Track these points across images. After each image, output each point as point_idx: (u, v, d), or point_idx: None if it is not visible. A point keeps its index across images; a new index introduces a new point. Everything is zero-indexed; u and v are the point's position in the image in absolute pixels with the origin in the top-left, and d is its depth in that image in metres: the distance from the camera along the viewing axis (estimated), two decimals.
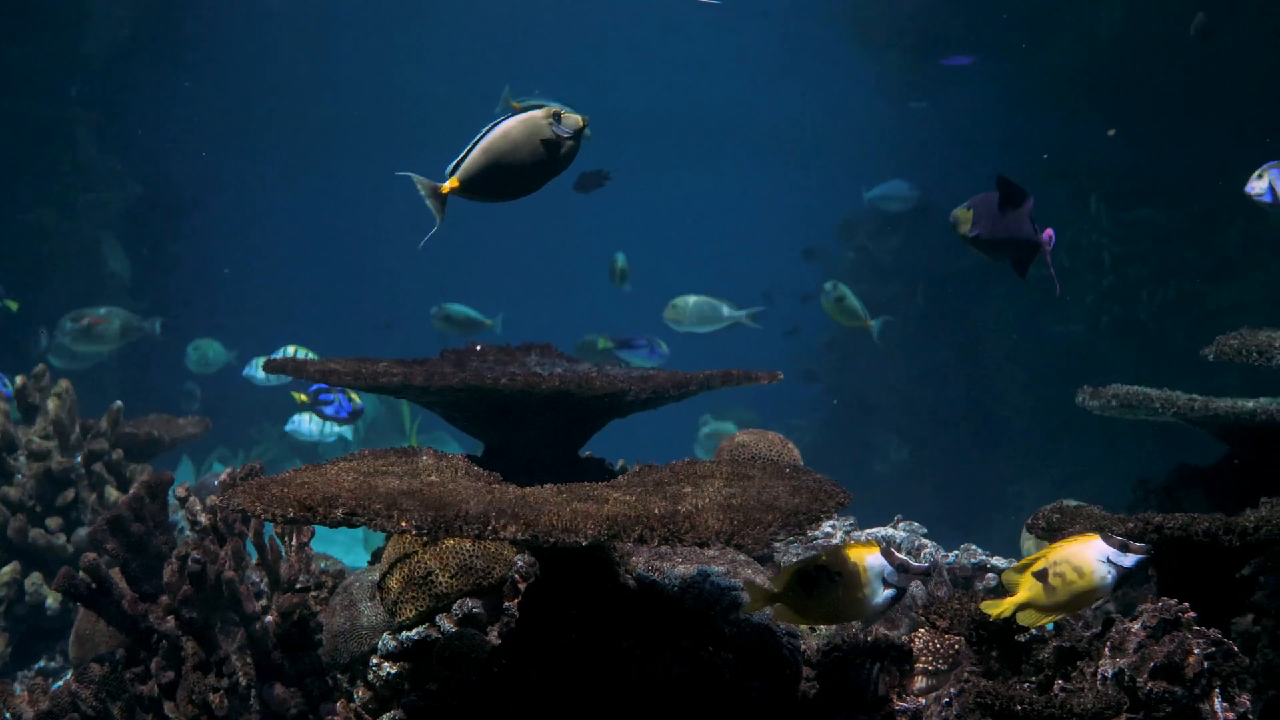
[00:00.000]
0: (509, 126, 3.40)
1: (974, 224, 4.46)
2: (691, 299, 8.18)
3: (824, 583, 2.90)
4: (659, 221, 27.13)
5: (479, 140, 3.40)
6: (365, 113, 21.48)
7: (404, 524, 2.62)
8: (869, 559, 2.89)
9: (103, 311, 8.30)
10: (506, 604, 3.57)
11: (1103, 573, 2.85)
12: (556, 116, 3.39)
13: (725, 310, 8.27)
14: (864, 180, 12.39)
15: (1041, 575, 2.89)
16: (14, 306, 7.26)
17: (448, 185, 3.40)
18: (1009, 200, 4.44)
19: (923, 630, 3.32)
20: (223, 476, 4.61)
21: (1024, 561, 2.96)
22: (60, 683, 4.89)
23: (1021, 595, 2.91)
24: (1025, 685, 2.81)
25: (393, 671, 3.58)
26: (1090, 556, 2.86)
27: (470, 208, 3.55)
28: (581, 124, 3.41)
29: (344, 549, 7.33)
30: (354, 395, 7.04)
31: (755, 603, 3.05)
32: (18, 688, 4.27)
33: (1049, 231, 4.53)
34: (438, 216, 3.43)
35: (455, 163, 3.42)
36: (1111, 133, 10.57)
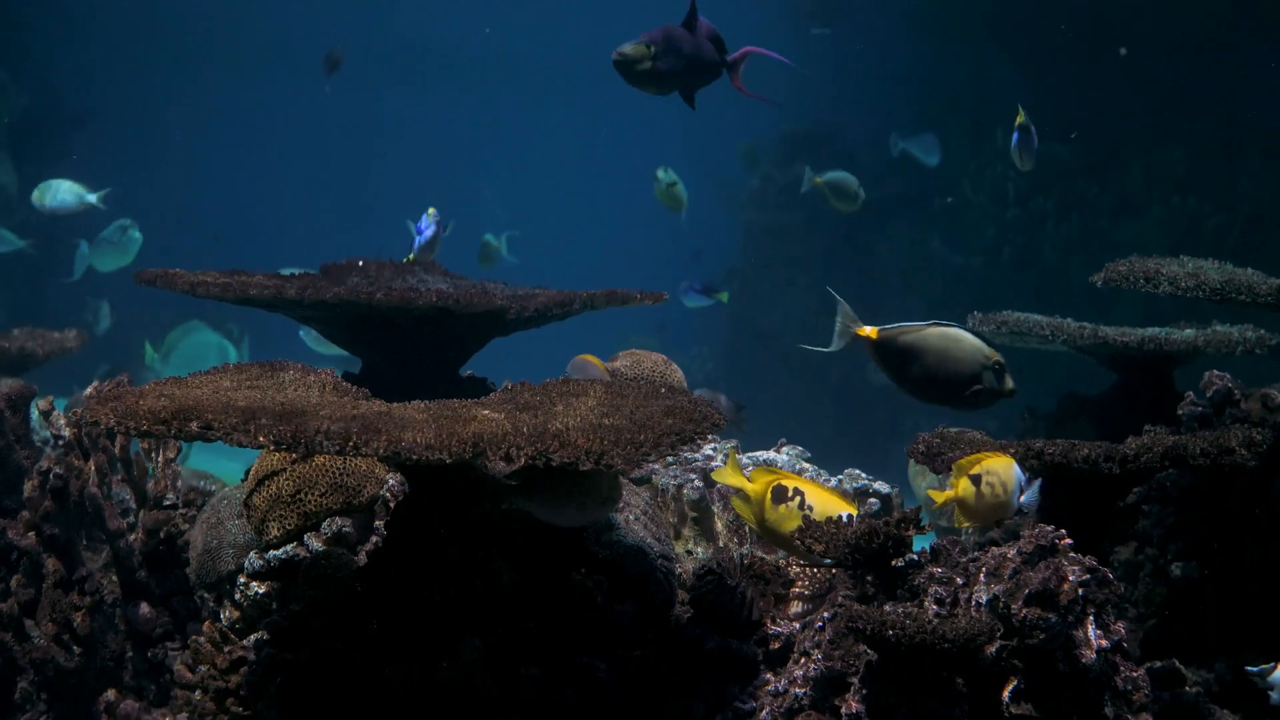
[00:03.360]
0: (946, 342, 3.31)
1: (658, 57, 4.35)
2: None
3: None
4: (550, 158, 26.88)
5: (921, 334, 3.31)
6: (268, 22, 21.09)
7: (261, 438, 2.54)
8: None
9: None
10: (377, 523, 3.49)
11: (1016, 491, 3.06)
12: (999, 367, 3.30)
13: None
14: (764, 107, 12.34)
15: (975, 479, 3.07)
16: None
17: (871, 332, 3.31)
18: (690, 30, 4.37)
19: None
20: (89, 390, 4.48)
21: (962, 462, 3.12)
22: None
23: (956, 492, 3.10)
24: (900, 610, 2.77)
25: (260, 591, 3.49)
26: (1012, 474, 3.06)
27: None
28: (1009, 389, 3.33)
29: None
30: None
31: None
32: None
33: (744, 50, 4.49)
34: (834, 342, 3.36)
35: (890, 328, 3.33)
36: (1124, 51, 10.52)
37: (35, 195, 9.25)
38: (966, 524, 3.29)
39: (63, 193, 9.02)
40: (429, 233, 5.35)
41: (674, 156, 9.50)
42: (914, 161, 10.92)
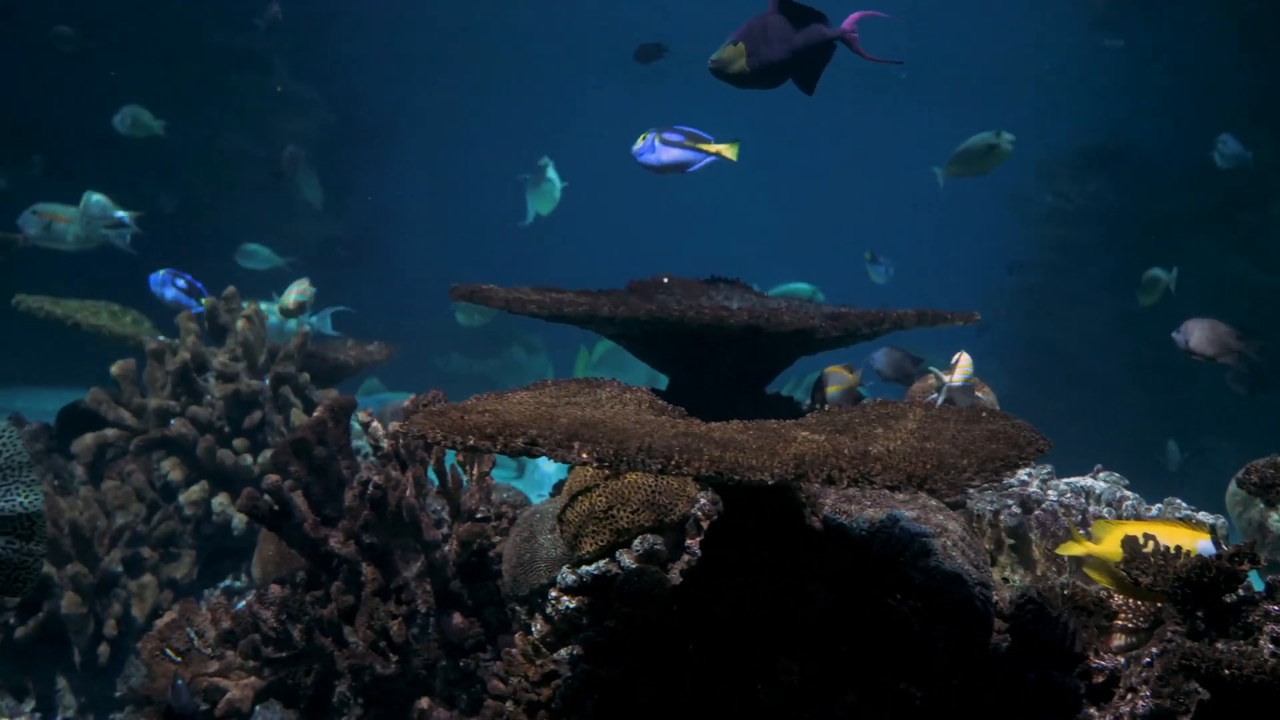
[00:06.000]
0: None
1: (752, 55, 4.16)
2: None
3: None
4: (847, 166, 26.73)
5: None
6: (560, 41, 21.49)
7: (584, 455, 2.54)
8: (1200, 545, 2.82)
9: (66, 211, 8.07)
10: (688, 541, 3.48)
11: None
12: None
13: None
14: (1057, 121, 12.07)
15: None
16: None
17: None
18: (787, 14, 4.16)
19: None
20: (405, 403, 4.59)
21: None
22: (243, 603, 4.95)
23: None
24: (1234, 648, 2.64)
25: (571, 605, 3.52)
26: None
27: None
28: None
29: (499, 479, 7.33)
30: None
31: (1072, 547, 3.02)
32: (202, 605, 4.32)
33: (853, 17, 4.25)
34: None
35: None
36: None
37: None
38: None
39: (91, 205, 9.28)
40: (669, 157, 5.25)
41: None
42: (1215, 174, 10.47)
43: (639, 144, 5.07)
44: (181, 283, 6.86)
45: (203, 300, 6.55)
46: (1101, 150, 12.84)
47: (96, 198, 8.41)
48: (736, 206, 27.23)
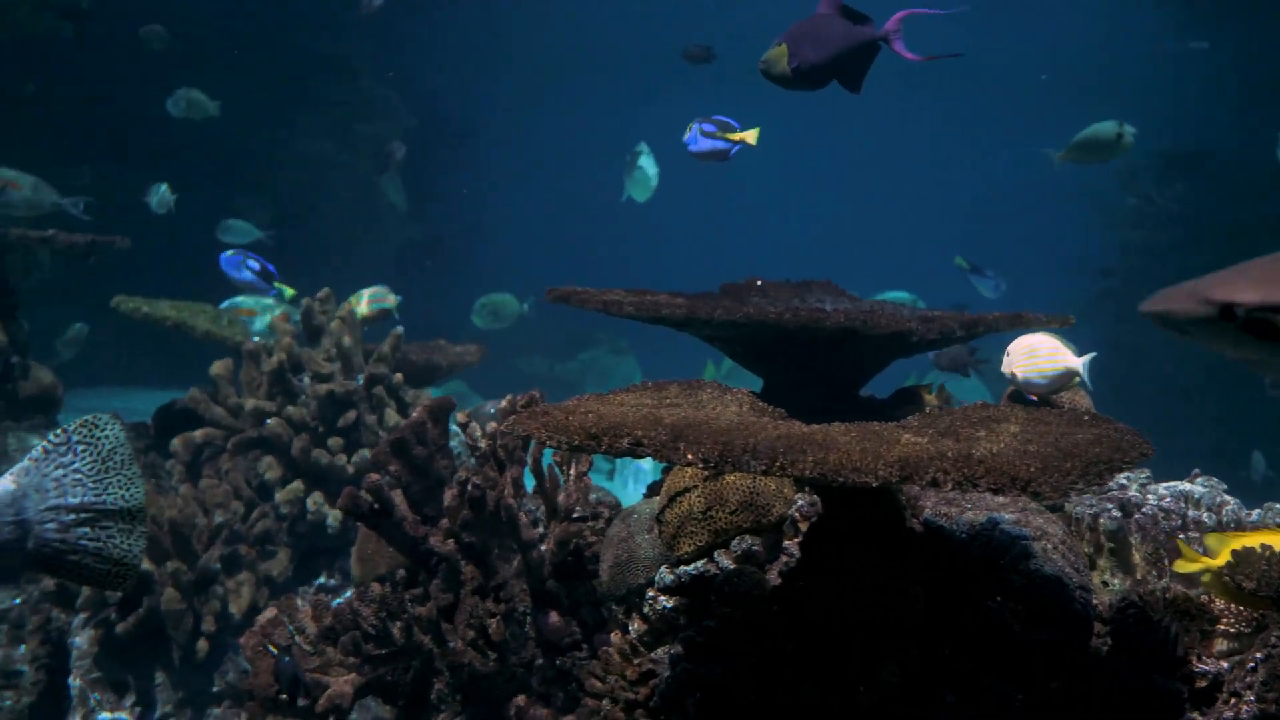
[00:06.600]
0: None
1: (793, 56, 4.13)
2: None
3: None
4: (931, 169, 26.64)
5: None
6: (634, 44, 21.54)
7: (689, 456, 2.57)
8: None
9: (19, 178, 8.06)
10: (786, 543, 3.51)
11: None
12: None
13: None
14: (1139, 123, 11.98)
15: None
16: (289, 293, 7.31)
17: None
18: (832, 15, 4.13)
19: None
20: (503, 404, 4.65)
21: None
22: (339, 600, 5.02)
23: None
24: None
25: (669, 605, 3.56)
26: None
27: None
28: None
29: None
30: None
31: (1189, 564, 3.04)
32: (301, 603, 4.39)
33: (896, 16, 4.21)
34: None
35: None
36: None
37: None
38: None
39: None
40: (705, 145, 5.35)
41: (1048, 173, 9.28)
42: None
43: (687, 133, 5.19)
44: (255, 264, 6.96)
45: (275, 284, 6.65)
46: (1183, 154, 12.74)
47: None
48: (820, 211, 27.20)
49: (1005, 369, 3.87)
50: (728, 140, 5.23)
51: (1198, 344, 2.27)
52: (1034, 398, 3.78)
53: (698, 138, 5.36)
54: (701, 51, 9.76)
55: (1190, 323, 2.16)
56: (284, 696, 4.04)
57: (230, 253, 7.09)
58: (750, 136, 5.28)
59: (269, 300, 7.45)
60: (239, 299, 7.43)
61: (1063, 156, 8.12)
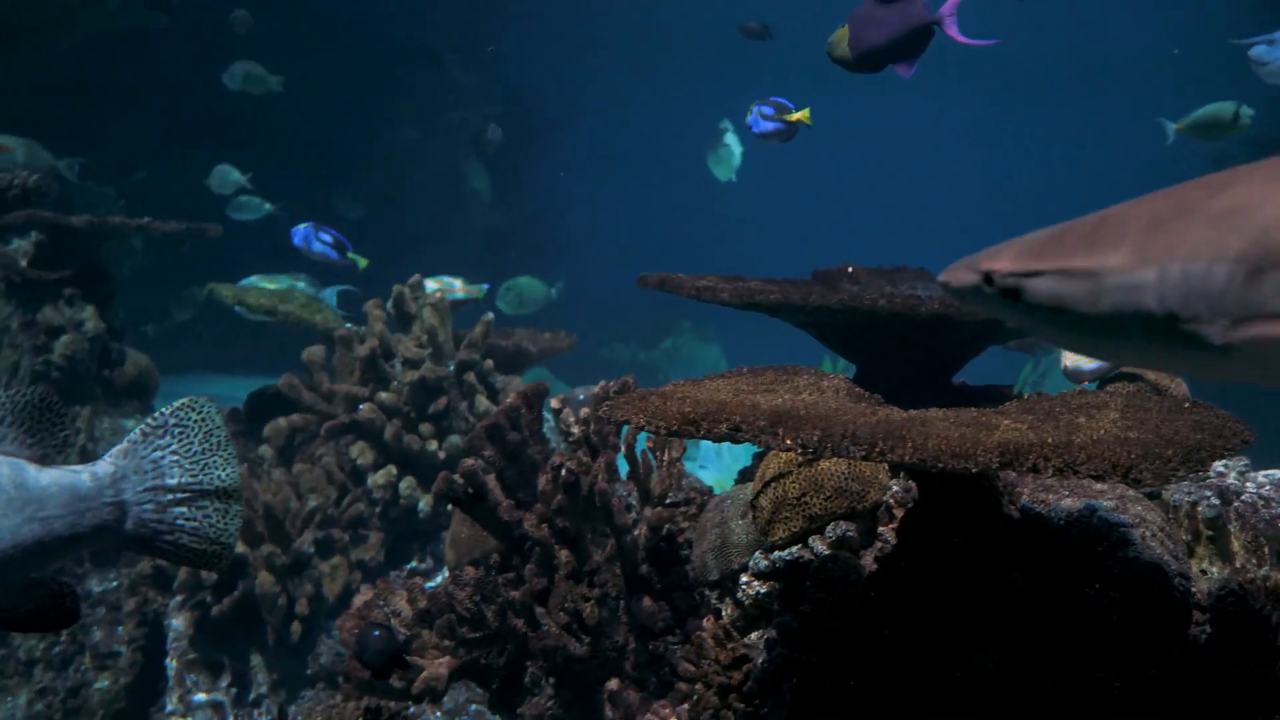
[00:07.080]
0: None
1: (855, 39, 4.11)
2: None
3: None
4: (1013, 163, 26.39)
5: None
6: (722, 31, 21.49)
7: (789, 441, 2.58)
8: None
9: (9, 141, 8.03)
10: (881, 529, 3.51)
11: None
12: None
13: None
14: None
15: None
16: (362, 263, 7.35)
17: None
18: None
19: None
20: (595, 389, 4.67)
21: None
22: (432, 583, 5.07)
23: None
24: None
25: (763, 590, 3.56)
26: None
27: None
28: None
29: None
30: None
31: None
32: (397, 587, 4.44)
33: (951, 1, 4.18)
34: None
35: None
36: None
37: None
38: None
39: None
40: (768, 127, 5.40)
41: (1136, 162, 9.19)
42: None
43: (748, 116, 5.24)
44: (327, 237, 7.02)
45: (349, 254, 6.72)
46: (1275, 142, 12.52)
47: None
48: (906, 201, 27.03)
49: (1062, 362, 3.90)
50: (784, 121, 5.33)
51: (984, 311, 2.34)
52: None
53: (759, 120, 5.44)
54: (759, 28, 9.74)
55: (964, 291, 2.22)
56: (386, 676, 4.08)
57: (302, 226, 7.15)
58: (803, 116, 5.38)
59: (285, 278, 7.53)
60: (254, 278, 7.52)
61: (1180, 128, 8.08)
